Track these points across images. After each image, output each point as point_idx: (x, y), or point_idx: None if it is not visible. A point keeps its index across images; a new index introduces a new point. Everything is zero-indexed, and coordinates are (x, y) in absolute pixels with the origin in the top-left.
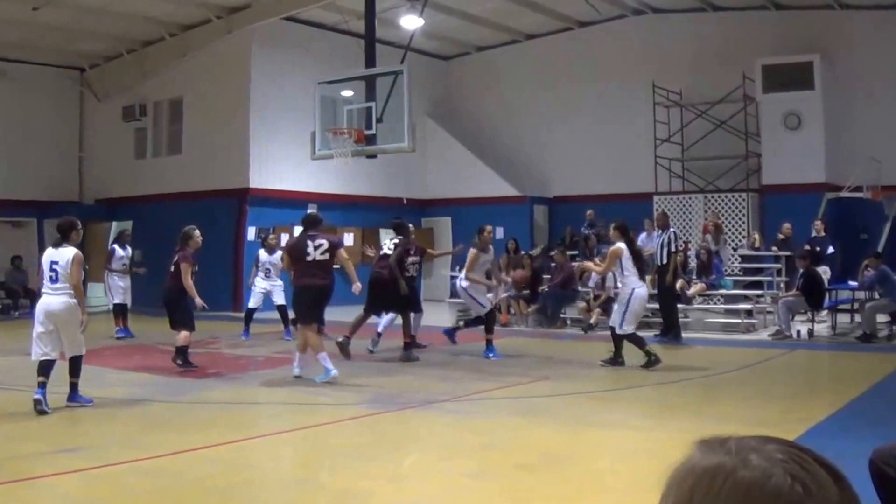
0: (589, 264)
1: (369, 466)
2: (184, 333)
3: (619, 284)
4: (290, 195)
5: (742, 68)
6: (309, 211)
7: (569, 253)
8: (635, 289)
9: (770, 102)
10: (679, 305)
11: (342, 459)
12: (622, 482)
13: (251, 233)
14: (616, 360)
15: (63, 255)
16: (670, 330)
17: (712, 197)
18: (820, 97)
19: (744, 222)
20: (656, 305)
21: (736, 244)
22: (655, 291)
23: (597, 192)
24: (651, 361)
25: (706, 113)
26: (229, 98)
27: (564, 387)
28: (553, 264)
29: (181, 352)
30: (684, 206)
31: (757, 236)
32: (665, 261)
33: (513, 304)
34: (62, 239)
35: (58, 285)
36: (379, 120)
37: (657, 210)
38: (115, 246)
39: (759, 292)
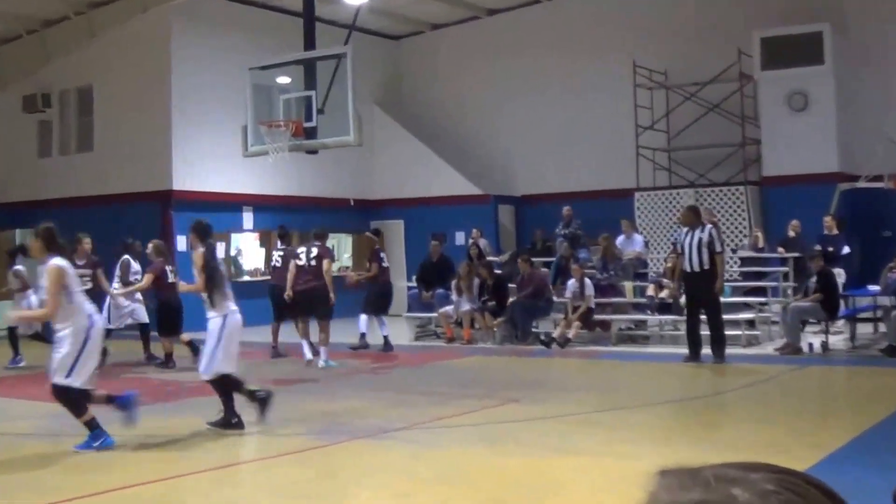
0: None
1: None
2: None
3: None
4: (221, 198)
5: (737, 43)
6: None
7: (540, 259)
8: (227, 315)
9: (771, 81)
10: (677, 318)
11: (288, 498)
12: None
13: (182, 242)
14: (230, 419)
15: None
16: (718, 346)
17: (704, 192)
18: (830, 73)
19: (742, 220)
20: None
21: (735, 245)
22: (681, 303)
23: (570, 189)
24: (262, 399)
25: (695, 95)
26: (147, 86)
27: (536, 410)
28: (522, 273)
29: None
30: (671, 203)
31: (759, 235)
32: (706, 266)
33: (477, 318)
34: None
35: None
36: (320, 110)
37: (638, 209)
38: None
39: (762, 299)
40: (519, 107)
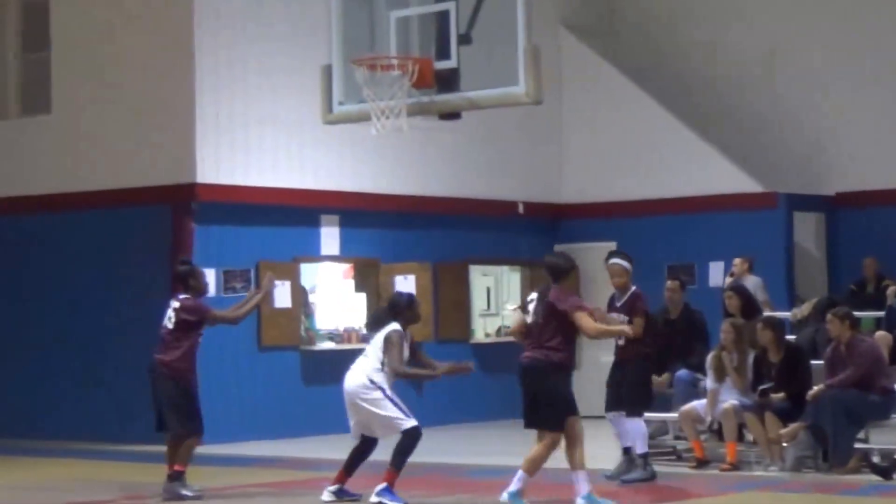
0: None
1: None
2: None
3: None
4: (282, 198)
5: None
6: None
7: (872, 315)
8: None
9: None
10: None
11: None
12: None
13: (211, 280)
14: None
15: None
16: None
17: None
18: None
19: None
20: None
21: None
22: None
23: None
24: None
25: None
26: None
27: None
28: (834, 341)
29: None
30: None
31: None
32: None
33: (750, 423)
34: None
35: None
36: (464, 38)
37: None
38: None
39: None
40: (841, 34)
